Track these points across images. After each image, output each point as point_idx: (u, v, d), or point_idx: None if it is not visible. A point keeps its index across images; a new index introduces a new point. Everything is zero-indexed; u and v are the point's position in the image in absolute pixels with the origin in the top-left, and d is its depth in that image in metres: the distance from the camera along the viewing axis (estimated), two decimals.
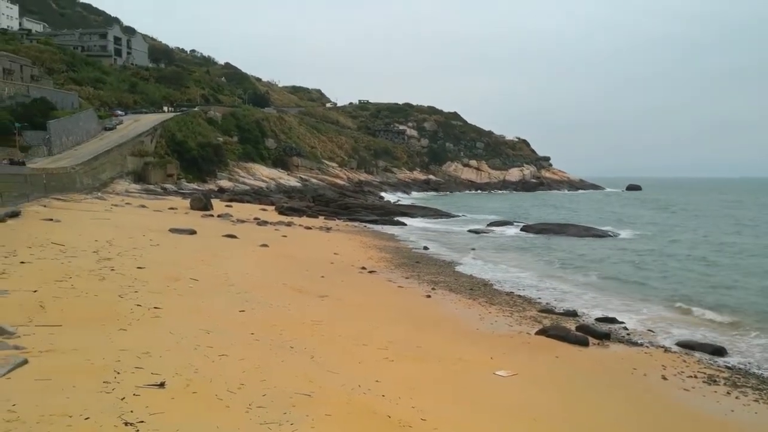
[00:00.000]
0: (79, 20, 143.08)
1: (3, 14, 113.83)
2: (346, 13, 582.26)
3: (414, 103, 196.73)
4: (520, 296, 24.11)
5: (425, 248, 38.79)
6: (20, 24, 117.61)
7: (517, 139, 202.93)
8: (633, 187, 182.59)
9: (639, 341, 17.83)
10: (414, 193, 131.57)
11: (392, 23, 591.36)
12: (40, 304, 13.87)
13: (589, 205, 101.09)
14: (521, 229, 53.41)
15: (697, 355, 16.57)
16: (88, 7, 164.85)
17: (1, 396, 7.91)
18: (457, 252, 38.18)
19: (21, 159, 57.74)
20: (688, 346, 17.24)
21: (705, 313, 21.58)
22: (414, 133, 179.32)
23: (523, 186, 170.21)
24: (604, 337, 17.72)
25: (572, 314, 20.88)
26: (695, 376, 14.58)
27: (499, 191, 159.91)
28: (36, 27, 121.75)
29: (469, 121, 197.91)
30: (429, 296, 22.53)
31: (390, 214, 66.89)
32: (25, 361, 9.66)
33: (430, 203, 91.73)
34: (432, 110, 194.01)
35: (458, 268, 30.99)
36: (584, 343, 16.79)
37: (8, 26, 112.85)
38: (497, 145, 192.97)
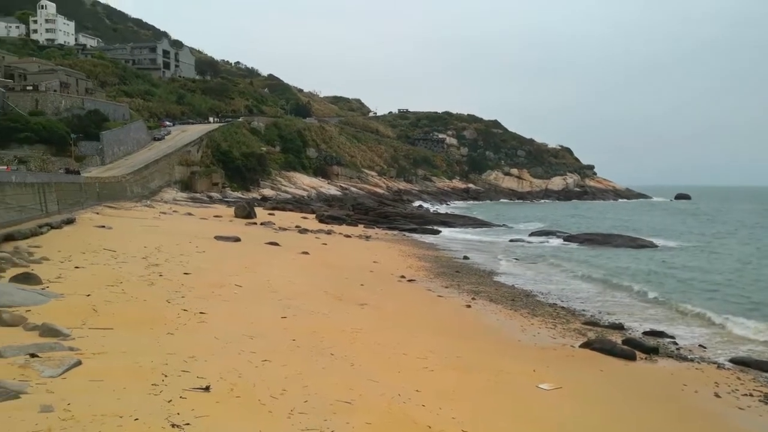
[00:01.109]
0: (131, 35, 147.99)
1: (60, 30, 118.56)
2: (385, 22, 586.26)
3: (454, 112, 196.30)
4: (563, 308, 23.72)
5: (465, 258, 38.59)
6: (76, 39, 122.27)
7: (559, 147, 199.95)
8: (682, 197, 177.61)
9: (689, 356, 17.20)
10: (453, 202, 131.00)
11: (431, 32, 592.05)
12: (93, 308, 14.40)
13: (635, 215, 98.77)
14: (564, 240, 52.57)
15: (753, 372, 15.77)
16: (139, 22, 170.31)
17: (57, 395, 8.27)
18: (498, 262, 37.85)
19: (76, 168, 59.89)
20: (743, 363, 16.44)
21: (760, 328, 20.78)
22: (453, 141, 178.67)
23: (567, 195, 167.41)
24: (652, 351, 17.17)
25: (618, 327, 20.42)
26: (751, 395, 13.94)
27: (541, 200, 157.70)
28: (90, 42, 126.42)
29: (509, 129, 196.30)
30: (469, 306, 22.42)
31: (429, 222, 66.80)
32: (79, 362, 10.06)
33: (469, 212, 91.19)
34: (472, 118, 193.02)
35: (499, 278, 30.73)
36: (631, 358, 16.39)
37: (65, 42, 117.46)
38: (539, 153, 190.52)
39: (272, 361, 11.62)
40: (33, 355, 10.17)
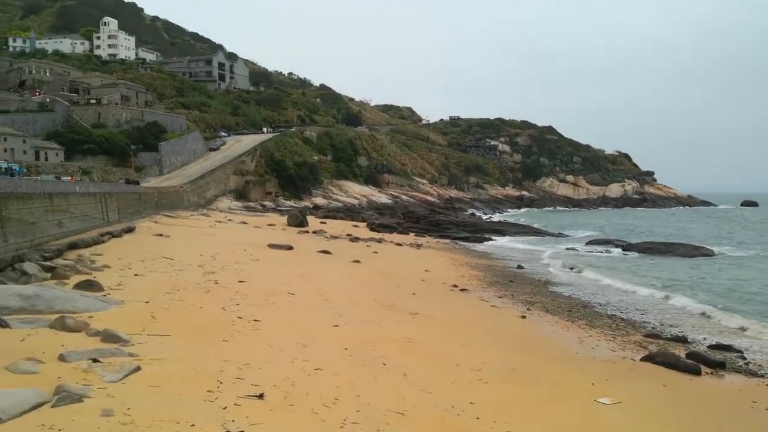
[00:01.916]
0: (188, 48, 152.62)
1: (122, 46, 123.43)
2: (437, 30, 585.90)
3: (506, 118, 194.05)
4: (623, 319, 22.94)
5: (519, 267, 37.91)
6: (136, 54, 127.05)
7: (617, 153, 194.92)
8: (748, 203, 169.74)
9: (759, 372, 16.27)
10: (506, 210, 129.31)
11: (483, 38, 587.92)
12: (151, 315, 14.78)
13: (698, 223, 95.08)
14: (623, 248, 51.01)
15: None
16: (196, 36, 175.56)
17: (118, 400, 8.46)
18: (554, 271, 37.02)
19: (135, 179, 62.05)
20: None
21: None
22: (506, 148, 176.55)
23: (625, 202, 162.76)
24: (719, 365, 16.31)
25: (682, 340, 19.57)
26: None
27: (599, 208, 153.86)
28: (150, 56, 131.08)
29: (565, 135, 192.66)
30: (524, 317, 21.95)
31: (482, 231, 66.07)
32: (138, 368, 10.30)
33: (523, 220, 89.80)
34: (525, 124, 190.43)
35: (555, 288, 30.03)
36: (696, 372, 15.65)
37: (126, 56, 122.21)
38: (596, 159, 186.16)
39: (324, 369, 11.63)
40: (95, 360, 10.47)
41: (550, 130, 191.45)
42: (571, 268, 38.44)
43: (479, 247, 52.54)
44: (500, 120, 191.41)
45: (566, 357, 16.58)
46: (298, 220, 55.85)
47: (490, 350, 15.99)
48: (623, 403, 12.47)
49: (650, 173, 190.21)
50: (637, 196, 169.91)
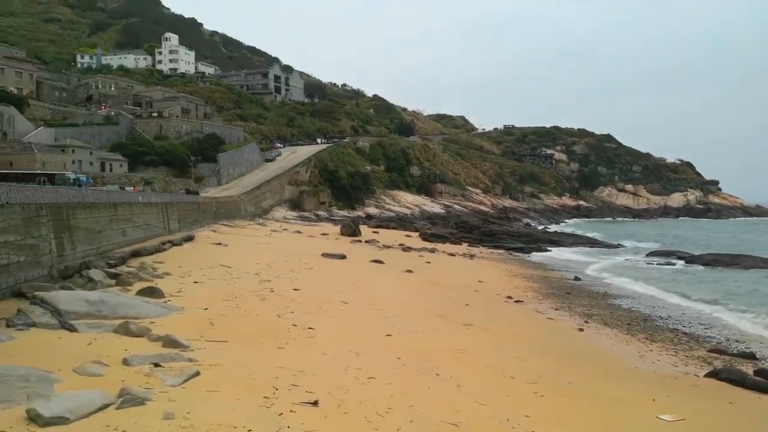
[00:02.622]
0: (245, 62, 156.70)
1: (182, 60, 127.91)
2: (490, 39, 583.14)
3: (562, 126, 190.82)
4: (685, 333, 22.09)
5: (576, 278, 37.04)
6: (196, 68, 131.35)
7: (679, 162, 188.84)
8: None
9: None
10: (563, 220, 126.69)
11: (540, 48, 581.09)
12: (210, 321, 15.18)
13: (767, 235, 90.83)
14: (686, 261, 49.10)
15: None
16: (253, 49, 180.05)
17: (178, 404, 8.72)
18: (613, 283, 36.00)
19: (195, 189, 63.95)
20: None
21: None
22: (563, 157, 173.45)
23: (688, 212, 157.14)
24: None
25: (749, 356, 18.67)
26: None
27: (660, 218, 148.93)
28: (208, 70, 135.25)
29: (623, 143, 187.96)
30: (581, 329, 21.44)
31: (537, 241, 64.91)
32: (197, 373, 10.59)
33: (580, 230, 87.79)
34: (582, 133, 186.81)
35: (613, 301, 29.19)
36: (765, 390, 14.92)
37: (186, 70, 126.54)
38: (656, 168, 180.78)
39: (378, 378, 11.66)
40: (156, 365, 10.83)
41: (609, 138, 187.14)
42: (631, 281, 37.29)
43: (534, 257, 51.66)
44: (556, 128, 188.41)
45: (626, 371, 16.10)
46: (351, 230, 56.29)
47: (546, 363, 15.68)
48: (686, 420, 12.01)
49: (715, 182, 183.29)
50: (700, 206, 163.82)
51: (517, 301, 26.41)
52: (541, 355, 16.69)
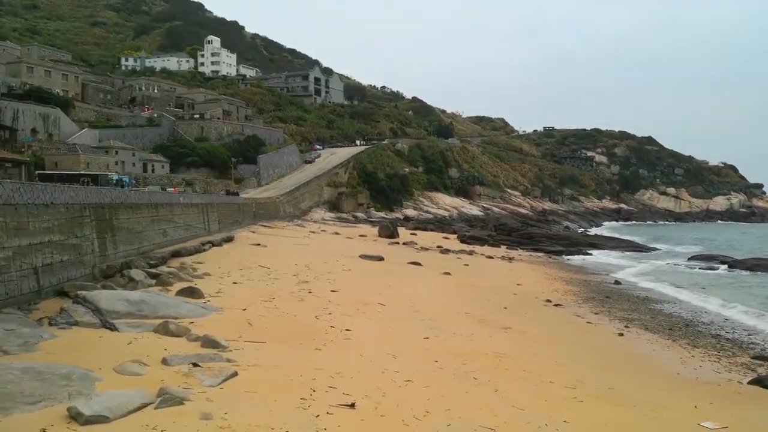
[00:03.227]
0: (285, 64, 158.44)
1: (224, 62, 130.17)
2: (528, 41, 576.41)
3: (603, 128, 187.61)
4: (728, 339, 21.38)
5: (617, 282, 36.25)
6: (237, 70, 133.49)
7: (722, 165, 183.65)
8: None
9: None
10: (603, 223, 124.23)
11: (575, 47, 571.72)
12: (248, 322, 15.31)
13: None
14: (729, 265, 47.60)
15: None
16: (293, 52, 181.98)
17: (216, 404, 8.79)
18: (654, 287, 35.10)
19: (235, 190, 64.89)
20: None
21: None
22: (603, 159, 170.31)
23: (731, 216, 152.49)
24: None
25: None
26: None
27: (702, 222, 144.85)
28: (250, 72, 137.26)
29: (665, 146, 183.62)
30: (621, 334, 20.93)
31: (577, 244, 63.82)
32: (235, 374, 10.67)
33: (621, 234, 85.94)
34: (623, 135, 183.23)
35: (655, 306, 28.44)
36: None
37: (228, 73, 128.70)
38: (699, 171, 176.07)
39: (415, 381, 11.57)
40: (195, 365, 10.95)
41: (650, 140, 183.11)
42: (673, 285, 36.31)
43: (574, 261, 50.78)
44: (597, 130, 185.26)
45: (667, 377, 15.66)
46: (389, 231, 56.29)
47: (585, 368, 15.34)
48: (729, 428, 11.59)
49: (759, 186, 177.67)
50: (744, 210, 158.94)
51: (556, 305, 25.96)
52: (580, 359, 16.35)
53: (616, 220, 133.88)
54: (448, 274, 32.36)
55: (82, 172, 46.95)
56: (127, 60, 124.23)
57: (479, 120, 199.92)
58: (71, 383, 9.42)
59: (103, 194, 23.63)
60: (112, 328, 14.13)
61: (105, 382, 9.73)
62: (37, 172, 44.60)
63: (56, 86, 72.79)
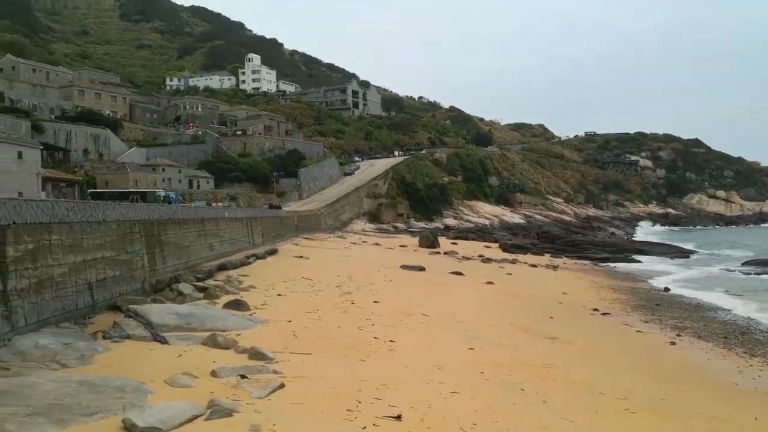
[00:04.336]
0: (324, 79, 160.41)
1: (264, 79, 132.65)
2: (567, 43, 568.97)
3: (647, 132, 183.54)
4: None
5: (666, 289, 35.25)
6: (277, 86, 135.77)
7: None
8: None
9: None
10: (650, 228, 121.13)
11: (617, 51, 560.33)
12: (293, 334, 15.47)
13: None
14: None
15: None
16: (331, 66, 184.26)
17: (264, 416, 8.90)
18: (706, 294, 33.98)
19: (277, 203, 65.72)
20: None
21: None
22: (648, 163, 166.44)
23: None
24: None
25: None
26: None
27: (755, 225, 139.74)
28: (289, 88, 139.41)
29: (713, 148, 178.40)
30: (673, 343, 20.33)
31: (623, 251, 62.37)
32: (282, 385, 10.78)
33: (669, 239, 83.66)
34: (668, 138, 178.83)
35: (708, 313, 27.52)
36: None
37: (268, 89, 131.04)
38: (750, 172, 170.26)
39: (461, 393, 11.47)
40: (243, 377, 11.12)
41: (697, 142, 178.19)
42: (727, 292, 35.10)
43: (621, 268, 49.61)
44: (640, 134, 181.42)
45: (723, 388, 15.14)
46: (429, 241, 56.11)
47: (637, 378, 14.95)
48: None
49: None
50: None
51: (603, 314, 25.41)
52: (630, 369, 15.96)
53: (664, 225, 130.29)
54: (491, 283, 32.05)
55: (131, 190, 48.32)
56: (171, 80, 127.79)
57: (518, 127, 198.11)
58: (125, 395, 9.69)
59: (151, 211, 24.29)
60: (163, 341, 14.47)
61: (157, 394, 9.96)
62: (89, 190, 46.12)
63: (106, 108, 75.31)
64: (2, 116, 45.75)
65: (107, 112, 74.12)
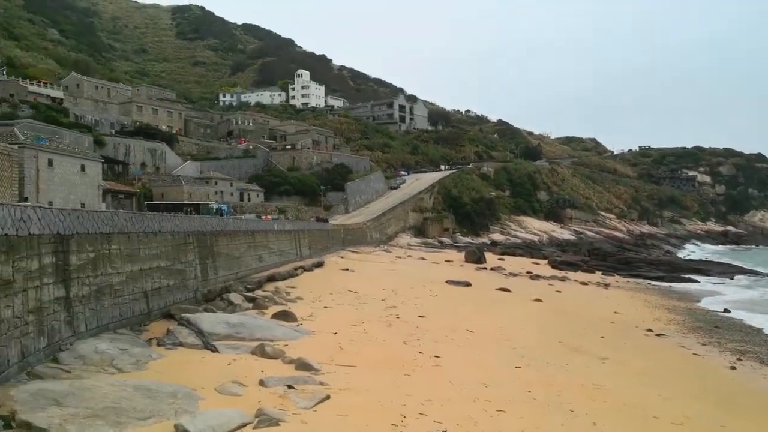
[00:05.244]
0: (371, 93, 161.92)
1: (313, 95, 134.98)
2: (617, 56, 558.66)
3: (705, 146, 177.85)
4: None
5: (726, 311, 33.87)
6: (325, 101, 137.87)
7: None
8: None
9: None
10: (708, 247, 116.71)
11: (672, 62, 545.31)
12: (339, 346, 15.56)
13: None
14: None
15: None
16: (379, 81, 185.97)
17: (310, 426, 8.96)
18: None
19: (325, 217, 66.47)
20: None
21: None
22: (706, 179, 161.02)
23: None
24: None
25: None
26: None
27: None
28: (337, 103, 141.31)
29: None
30: (733, 367, 19.50)
31: (679, 270, 60.29)
32: (328, 397, 10.85)
33: (729, 258, 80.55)
34: (729, 152, 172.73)
35: None
36: None
37: (317, 104, 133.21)
38: None
39: (507, 411, 11.29)
40: (290, 387, 11.24)
41: (760, 157, 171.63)
42: None
43: (677, 287, 47.99)
44: (698, 148, 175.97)
45: None
46: (475, 257, 55.60)
47: (694, 403, 14.40)
48: None
49: None
50: None
51: (658, 335, 24.60)
52: (687, 393, 15.37)
53: (723, 244, 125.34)
54: (539, 300, 31.49)
55: (186, 202, 49.69)
56: (224, 96, 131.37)
57: (569, 141, 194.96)
58: (177, 401, 9.93)
59: (204, 222, 24.92)
60: (213, 349, 14.78)
61: (207, 401, 10.17)
62: (146, 202, 47.72)
63: (162, 123, 77.95)
64: (67, 131, 47.86)
65: (164, 126, 76.67)
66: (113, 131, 64.43)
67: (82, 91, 75.47)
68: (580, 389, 14.18)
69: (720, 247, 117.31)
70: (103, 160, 42.57)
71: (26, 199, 28.80)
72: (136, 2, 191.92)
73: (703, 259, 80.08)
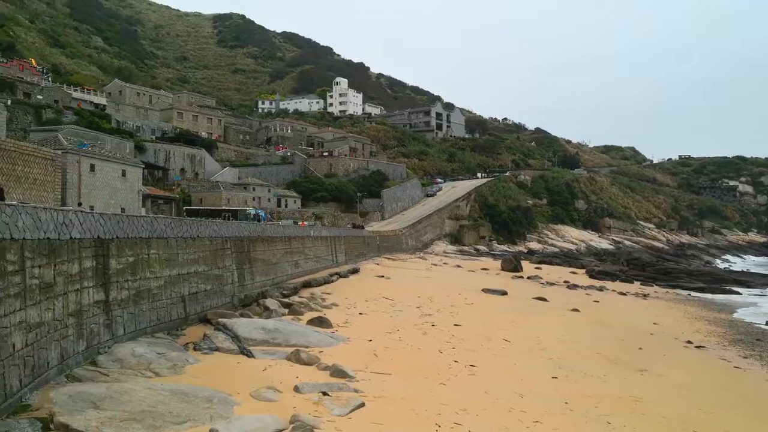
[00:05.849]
0: (408, 101, 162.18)
1: (351, 102, 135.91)
2: (657, 65, 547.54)
3: (747, 155, 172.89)
4: None
5: None
6: (363, 109, 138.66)
7: None
8: None
9: None
10: (750, 258, 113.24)
11: (717, 70, 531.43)
12: (374, 353, 15.60)
13: None
14: None
15: None
16: (416, 89, 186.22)
17: None
18: None
19: (361, 223, 66.69)
20: None
21: None
22: (748, 189, 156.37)
23: None
24: None
25: None
26: None
27: None
28: (374, 110, 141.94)
29: None
30: None
31: (720, 281, 58.64)
32: (362, 404, 10.89)
33: None
34: None
35: None
36: None
37: (354, 112, 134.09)
38: None
39: (544, 423, 11.17)
40: (325, 394, 11.32)
41: None
42: None
43: (717, 299, 46.66)
44: (740, 158, 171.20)
45: None
46: (512, 265, 55.07)
47: (735, 417, 14.00)
48: None
49: None
50: None
51: (698, 347, 23.98)
52: (728, 407, 14.95)
53: (766, 255, 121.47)
54: (576, 310, 31.02)
55: (224, 208, 50.52)
56: (263, 103, 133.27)
57: (607, 149, 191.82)
58: (213, 406, 10.09)
59: (242, 228, 25.28)
60: (249, 354, 14.96)
61: (242, 406, 10.31)
62: (185, 207, 48.64)
63: (202, 129, 79.47)
64: (110, 137, 49.17)
65: (203, 133, 78.16)
66: (154, 137, 65.97)
67: (125, 98, 77.52)
68: (618, 401, 13.93)
69: (762, 259, 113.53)
70: (143, 166, 43.58)
71: (80, 204, 29.59)
72: (179, 11, 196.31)
73: (745, 270, 77.69)
